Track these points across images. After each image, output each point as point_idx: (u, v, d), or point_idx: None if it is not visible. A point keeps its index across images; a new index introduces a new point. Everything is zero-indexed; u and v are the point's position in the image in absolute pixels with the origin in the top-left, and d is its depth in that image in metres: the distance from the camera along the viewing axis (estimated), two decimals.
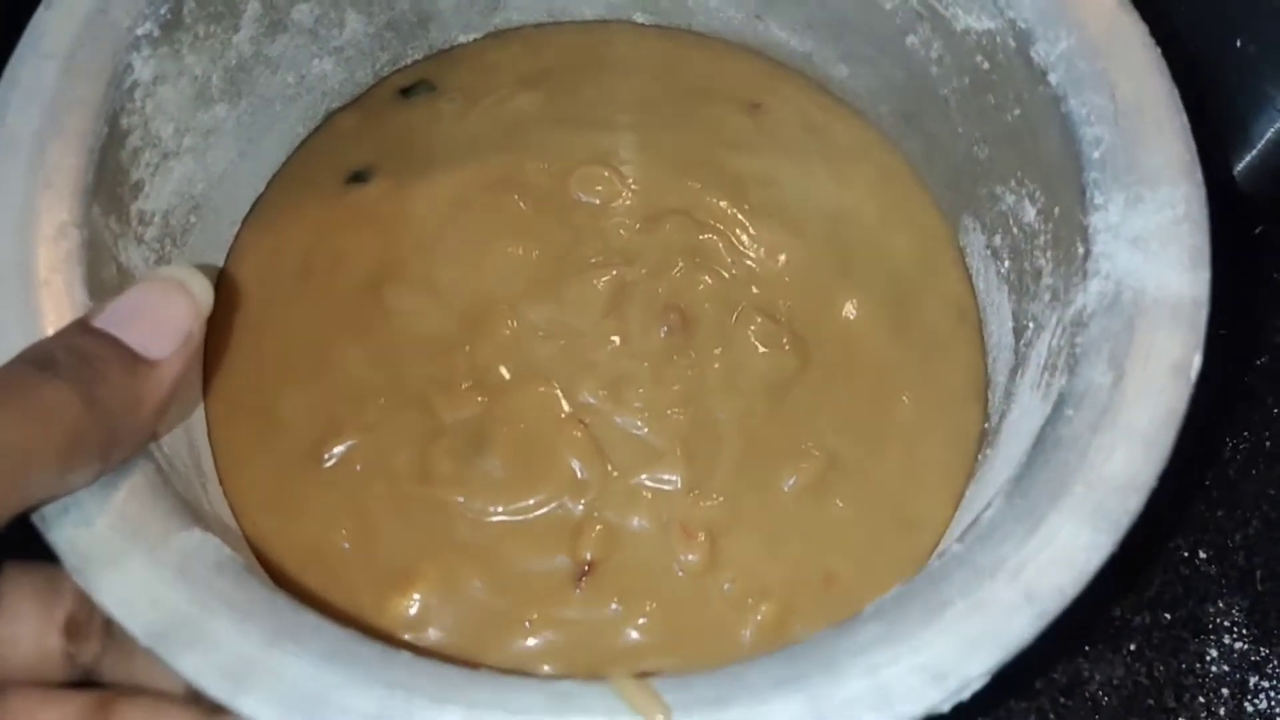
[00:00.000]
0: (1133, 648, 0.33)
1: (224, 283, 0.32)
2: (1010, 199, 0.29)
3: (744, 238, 0.33)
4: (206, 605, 0.22)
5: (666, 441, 0.30)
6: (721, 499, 0.30)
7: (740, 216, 0.33)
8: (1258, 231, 0.39)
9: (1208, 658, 0.33)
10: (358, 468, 0.30)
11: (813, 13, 0.33)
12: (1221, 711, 0.33)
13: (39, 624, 0.23)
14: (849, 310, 0.32)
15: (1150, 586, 0.34)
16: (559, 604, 0.29)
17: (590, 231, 0.33)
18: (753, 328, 0.32)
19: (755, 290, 0.32)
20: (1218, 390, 0.35)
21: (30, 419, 0.21)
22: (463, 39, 0.35)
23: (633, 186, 0.33)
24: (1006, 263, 0.30)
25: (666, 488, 0.30)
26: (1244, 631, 0.34)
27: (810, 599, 0.29)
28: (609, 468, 0.30)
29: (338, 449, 0.30)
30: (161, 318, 0.23)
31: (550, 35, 0.36)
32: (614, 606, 0.29)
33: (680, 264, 0.32)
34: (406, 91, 0.35)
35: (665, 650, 0.28)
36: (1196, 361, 0.23)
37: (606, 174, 0.33)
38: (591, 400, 0.31)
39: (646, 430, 0.30)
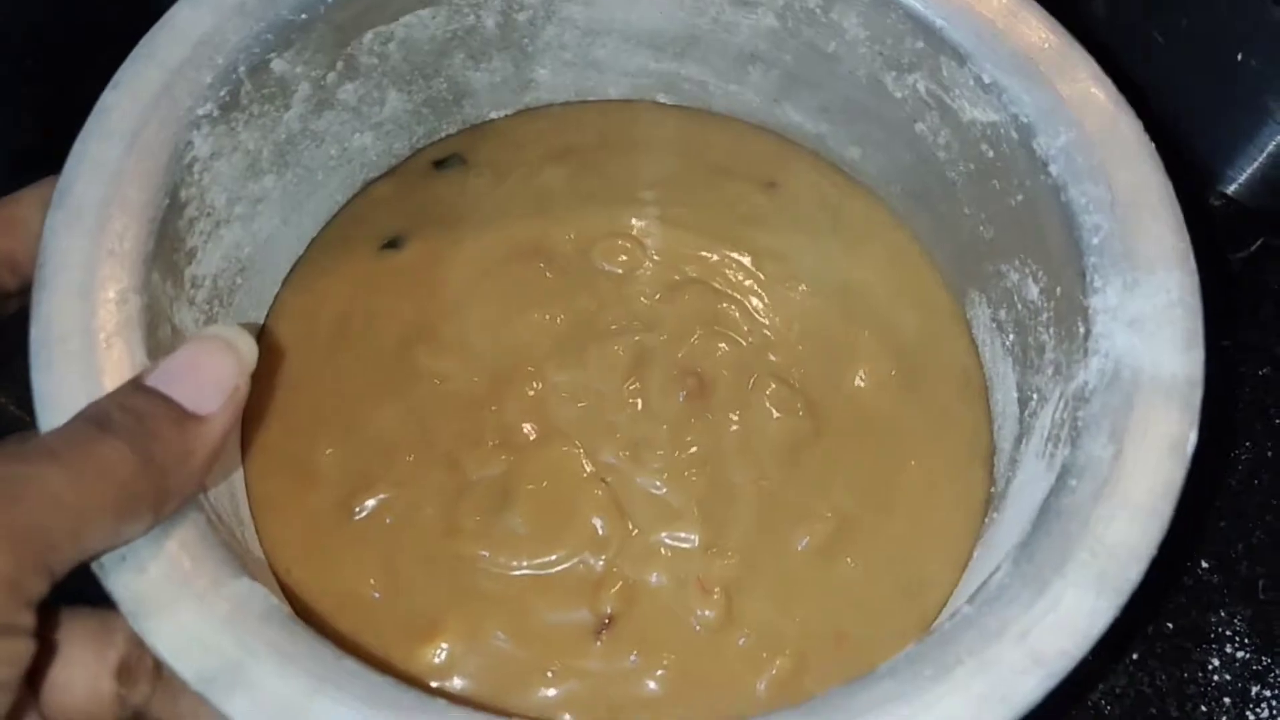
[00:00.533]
0: (1135, 657, 0.34)
1: (264, 340, 0.33)
2: (1014, 277, 0.31)
3: (759, 306, 0.34)
4: (253, 651, 0.23)
5: (684, 501, 0.32)
6: (737, 557, 0.31)
7: (756, 286, 0.35)
8: (1259, 244, 0.40)
9: (1210, 667, 0.34)
10: (388, 521, 0.31)
11: (827, 98, 0.35)
12: None
13: (93, 668, 0.23)
14: (860, 377, 0.34)
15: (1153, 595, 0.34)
16: (580, 656, 0.30)
17: (613, 299, 0.34)
18: (768, 393, 0.33)
19: (771, 357, 0.34)
20: (1221, 402, 0.36)
21: (88, 476, 0.22)
22: (495, 115, 0.37)
23: (654, 257, 0.35)
24: (1011, 336, 0.32)
25: (684, 545, 0.31)
26: (1246, 641, 0.34)
27: (822, 655, 0.30)
28: (629, 525, 0.31)
29: (369, 502, 0.31)
30: (209, 375, 0.24)
31: (577, 114, 0.38)
32: (632, 658, 0.30)
33: (699, 331, 0.34)
34: (440, 164, 0.37)
35: (682, 701, 0.30)
36: (1192, 438, 0.25)
37: (629, 245, 0.35)
38: (613, 460, 0.32)
39: (665, 490, 0.32)
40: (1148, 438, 0.25)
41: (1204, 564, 0.35)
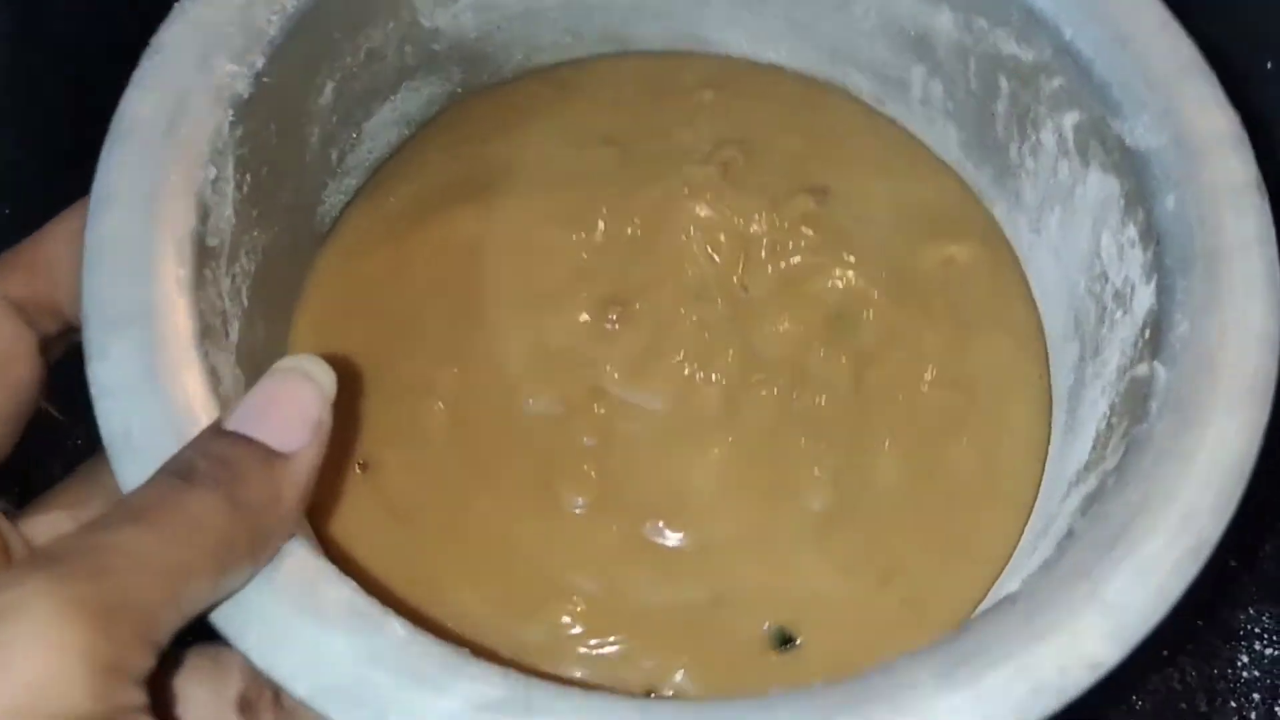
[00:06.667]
0: (1165, 653, 0.35)
1: None
2: None
3: None
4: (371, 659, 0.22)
5: None
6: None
7: None
8: None
9: (1239, 663, 0.34)
10: None
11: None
12: (1253, 716, 0.34)
13: (214, 706, 0.22)
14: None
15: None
16: None
17: None
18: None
19: None
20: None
21: (179, 534, 0.20)
22: None
23: None
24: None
25: None
26: (1274, 638, 0.35)
27: None
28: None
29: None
30: (290, 410, 0.23)
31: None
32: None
33: None
34: None
35: None
36: None
37: None
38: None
39: None
40: None
41: (1232, 562, 0.36)
